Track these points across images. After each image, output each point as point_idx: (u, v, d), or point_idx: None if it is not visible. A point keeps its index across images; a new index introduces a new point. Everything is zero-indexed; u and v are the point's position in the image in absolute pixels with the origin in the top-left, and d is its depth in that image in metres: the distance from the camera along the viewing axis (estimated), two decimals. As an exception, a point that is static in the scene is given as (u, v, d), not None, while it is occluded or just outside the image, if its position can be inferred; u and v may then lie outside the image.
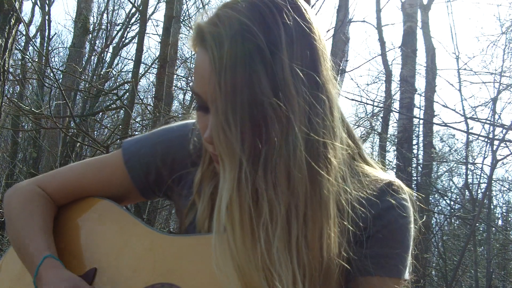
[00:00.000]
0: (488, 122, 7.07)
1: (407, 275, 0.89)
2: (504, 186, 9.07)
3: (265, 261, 0.76)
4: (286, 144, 0.77)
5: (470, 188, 7.42)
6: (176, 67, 9.25)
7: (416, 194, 0.95)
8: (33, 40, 9.95)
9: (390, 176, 0.92)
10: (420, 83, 9.60)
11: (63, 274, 0.93)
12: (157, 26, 12.32)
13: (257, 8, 0.79)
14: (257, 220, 0.76)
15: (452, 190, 9.79)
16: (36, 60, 8.22)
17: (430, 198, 8.61)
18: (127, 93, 7.13)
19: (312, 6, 4.86)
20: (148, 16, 7.51)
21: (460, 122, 7.25)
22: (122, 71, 11.75)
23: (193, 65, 0.85)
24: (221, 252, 0.79)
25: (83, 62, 9.88)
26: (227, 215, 0.77)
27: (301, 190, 0.77)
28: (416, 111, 8.68)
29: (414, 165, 8.45)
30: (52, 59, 11.06)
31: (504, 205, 10.42)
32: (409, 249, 0.89)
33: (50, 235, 1.01)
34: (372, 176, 0.91)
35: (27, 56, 8.52)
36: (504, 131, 6.52)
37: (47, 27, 9.82)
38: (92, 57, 11.04)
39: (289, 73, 0.77)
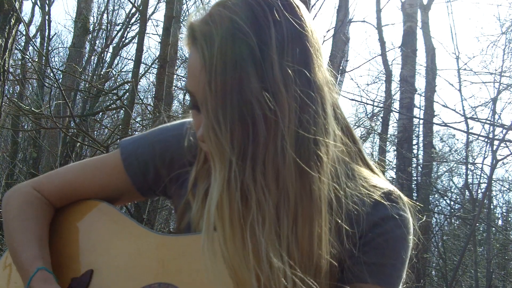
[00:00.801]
0: (488, 122, 7.08)
1: (400, 286, 0.88)
2: (504, 186, 9.08)
3: (254, 260, 0.76)
4: (274, 143, 0.77)
5: (470, 188, 7.43)
6: (176, 67, 9.25)
7: (414, 202, 0.93)
8: (33, 40, 9.95)
9: (389, 185, 0.91)
10: (420, 83, 9.60)
11: None
12: (157, 26, 12.33)
13: (249, 6, 0.78)
14: (246, 219, 0.77)
15: (452, 190, 9.80)
16: (36, 60, 8.23)
17: (430, 198, 8.61)
18: (127, 93, 7.14)
19: (312, 6, 4.86)
20: (148, 16, 7.52)
21: (460, 122, 7.26)
22: (122, 71, 11.77)
23: (187, 63, 0.86)
24: (209, 251, 0.79)
25: (83, 62, 9.89)
26: (217, 214, 0.78)
27: (290, 188, 0.77)
28: (416, 111, 8.69)
29: (414, 165, 8.45)
30: (52, 59, 11.08)
31: (504, 205, 10.43)
32: (405, 260, 0.88)
33: (45, 243, 1.01)
34: (371, 182, 0.90)
35: (27, 56, 8.52)
36: (504, 131, 6.53)
37: (47, 27, 9.82)
38: (92, 57, 11.05)
39: (279, 72, 0.77)
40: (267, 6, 0.79)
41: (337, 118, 0.88)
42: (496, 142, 6.49)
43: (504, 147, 6.64)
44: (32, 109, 6.16)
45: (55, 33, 15.15)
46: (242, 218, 0.77)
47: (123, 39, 11.49)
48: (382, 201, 0.87)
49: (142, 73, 9.40)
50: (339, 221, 0.83)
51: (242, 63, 0.76)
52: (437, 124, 8.36)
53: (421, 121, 8.87)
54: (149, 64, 10.15)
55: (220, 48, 0.76)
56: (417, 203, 0.94)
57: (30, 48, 10.18)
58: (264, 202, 0.77)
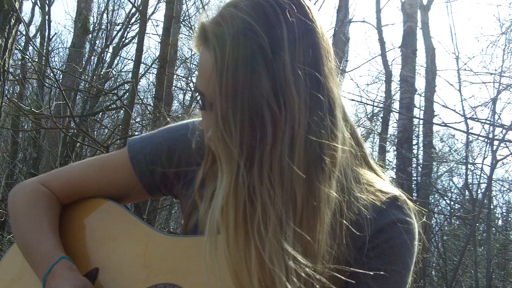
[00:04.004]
0: (488, 122, 7.07)
1: None
2: (504, 186, 9.06)
3: (256, 263, 0.76)
4: (282, 145, 0.76)
5: (470, 188, 7.42)
6: (176, 67, 9.24)
7: (420, 207, 0.92)
8: (33, 40, 9.95)
9: (395, 189, 0.91)
10: (420, 83, 9.60)
11: (79, 277, 0.93)
12: (157, 26, 12.31)
13: (261, 7, 0.78)
14: (251, 222, 0.76)
15: (452, 190, 9.78)
16: (36, 60, 8.22)
17: (430, 198, 8.60)
18: (127, 93, 7.14)
19: (312, 6, 4.85)
20: (148, 16, 7.51)
21: (460, 122, 7.23)
22: (122, 71, 11.77)
23: (193, 65, 0.86)
24: (210, 253, 0.79)
25: (83, 62, 9.89)
26: (222, 216, 0.78)
27: (298, 192, 0.77)
28: (416, 111, 8.68)
29: (414, 165, 8.45)
30: (52, 59, 11.07)
31: (504, 205, 10.42)
32: (410, 266, 0.88)
33: (58, 236, 1.02)
34: (377, 186, 0.89)
35: (27, 56, 8.51)
36: (504, 131, 6.52)
37: (47, 27, 9.81)
38: (92, 57, 11.04)
39: (290, 73, 0.76)
40: (279, 7, 0.78)
41: (346, 121, 0.88)
42: (496, 142, 6.48)
43: (504, 147, 6.63)
44: (32, 109, 6.16)
45: (55, 33, 15.18)
46: (247, 221, 0.77)
47: (123, 39, 11.49)
48: (388, 206, 0.87)
49: (142, 73, 9.40)
50: (345, 226, 0.82)
51: (253, 63, 0.75)
52: (437, 124, 8.34)
53: (421, 121, 8.87)
54: (149, 64, 10.15)
55: (232, 48, 0.76)
56: (422, 208, 0.94)
57: (30, 48, 10.17)
58: (269, 205, 0.76)
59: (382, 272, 0.85)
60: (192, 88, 10.64)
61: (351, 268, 0.85)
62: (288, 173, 0.77)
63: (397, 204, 0.88)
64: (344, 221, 0.83)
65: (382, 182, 0.91)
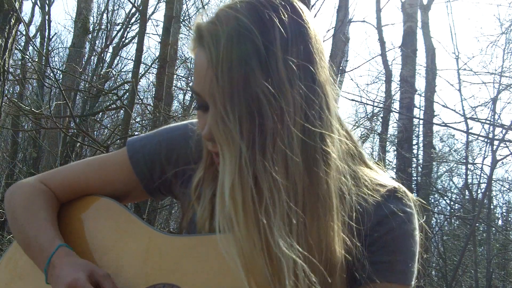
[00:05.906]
0: (488, 122, 7.06)
1: (413, 281, 0.89)
2: (504, 186, 9.06)
3: (267, 246, 0.77)
4: (281, 136, 0.78)
5: (470, 188, 7.41)
6: (176, 67, 9.24)
7: (419, 200, 0.93)
8: (33, 40, 9.94)
9: (394, 182, 0.92)
10: (420, 83, 9.61)
11: (78, 260, 0.94)
12: (157, 26, 12.32)
13: (255, 8, 0.81)
14: (259, 205, 0.78)
15: (452, 190, 9.78)
16: (36, 60, 8.22)
17: (430, 198, 8.60)
18: (127, 93, 7.14)
19: (312, 6, 4.86)
20: (148, 16, 7.51)
21: (460, 122, 7.23)
22: (122, 71, 11.75)
23: (193, 65, 0.88)
24: (225, 237, 0.79)
25: (83, 62, 9.88)
26: (230, 200, 0.78)
27: (298, 180, 0.79)
28: (416, 111, 8.69)
29: (414, 165, 8.44)
30: (52, 59, 11.07)
31: (504, 205, 10.41)
32: (415, 255, 0.89)
33: (56, 226, 1.03)
34: (376, 180, 0.91)
35: (27, 56, 8.51)
36: (504, 131, 6.52)
37: (47, 27, 9.82)
38: (92, 57, 11.04)
39: (283, 67, 0.79)
40: (273, 9, 0.81)
41: (340, 120, 0.89)
42: (496, 142, 6.48)
43: (504, 147, 6.63)
44: (32, 109, 6.16)
45: (55, 33, 15.20)
46: (255, 202, 0.78)
47: (123, 39, 11.49)
48: (387, 198, 0.88)
49: (142, 73, 9.39)
50: (347, 218, 0.84)
51: (247, 60, 0.78)
52: (437, 124, 8.34)
53: (421, 121, 8.87)
54: (149, 64, 10.14)
55: (226, 45, 0.79)
56: (422, 200, 0.95)
57: (30, 48, 10.17)
58: (274, 189, 0.78)
59: (387, 264, 0.86)
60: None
61: (357, 260, 0.85)
62: (290, 162, 0.78)
63: (397, 195, 0.90)
64: (346, 215, 0.84)
65: (381, 176, 0.93)
